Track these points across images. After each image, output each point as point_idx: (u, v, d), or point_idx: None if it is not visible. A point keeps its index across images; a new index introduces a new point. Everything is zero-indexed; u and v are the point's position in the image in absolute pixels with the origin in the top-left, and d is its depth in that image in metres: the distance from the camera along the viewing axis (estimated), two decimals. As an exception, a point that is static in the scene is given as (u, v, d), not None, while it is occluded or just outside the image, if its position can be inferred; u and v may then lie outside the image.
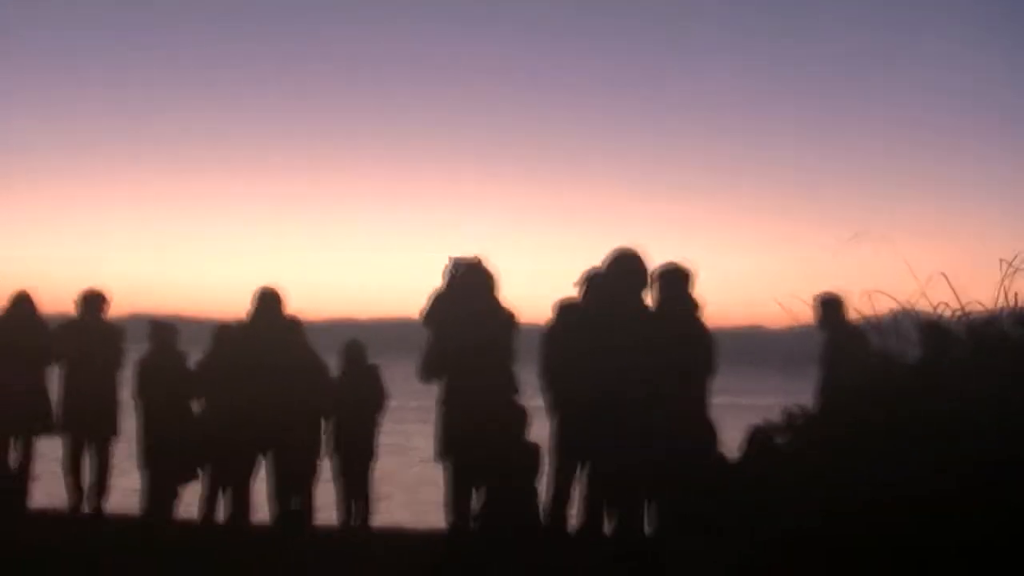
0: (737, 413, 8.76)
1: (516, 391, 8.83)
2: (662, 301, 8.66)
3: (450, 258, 8.94)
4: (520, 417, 8.83)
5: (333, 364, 10.57)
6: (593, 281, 8.90)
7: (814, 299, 10.70)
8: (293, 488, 10.38)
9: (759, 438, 9.60)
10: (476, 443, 8.54)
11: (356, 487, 10.51)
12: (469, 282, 8.82)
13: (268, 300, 10.42)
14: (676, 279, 8.72)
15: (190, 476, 10.60)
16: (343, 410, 10.37)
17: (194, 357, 10.70)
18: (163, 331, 10.88)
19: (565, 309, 9.06)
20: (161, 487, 10.61)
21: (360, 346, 10.69)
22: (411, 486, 17.03)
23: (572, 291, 9.07)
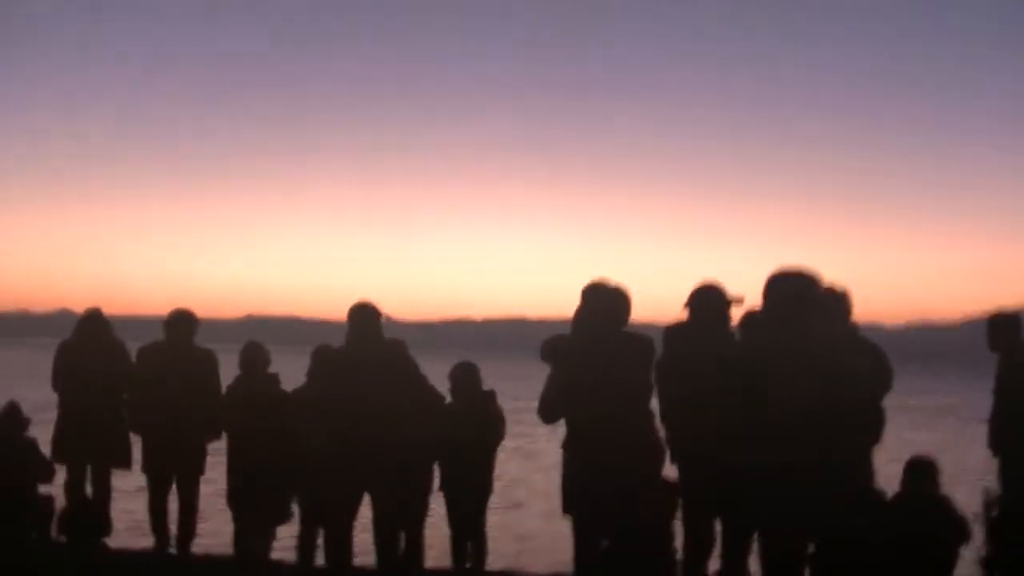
0: (909, 415, 7.46)
1: (652, 431, 7.58)
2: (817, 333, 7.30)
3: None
4: (654, 459, 7.62)
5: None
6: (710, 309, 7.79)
7: (988, 318, 9.41)
8: (399, 528, 9.35)
9: (917, 476, 8.46)
10: (605, 495, 7.31)
11: (469, 527, 9.46)
12: (595, 308, 7.57)
13: (366, 318, 9.33)
14: (833, 306, 7.40)
15: (284, 516, 9.64)
16: (455, 442, 9.28)
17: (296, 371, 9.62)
18: (252, 354, 9.84)
19: (677, 336, 7.94)
20: (253, 527, 9.64)
21: (473, 370, 9.62)
22: (543, 493, 16.26)
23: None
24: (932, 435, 29.09)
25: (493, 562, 9.82)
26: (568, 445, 7.53)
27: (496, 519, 14.18)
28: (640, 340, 7.52)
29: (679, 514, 7.93)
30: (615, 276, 7.60)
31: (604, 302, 7.48)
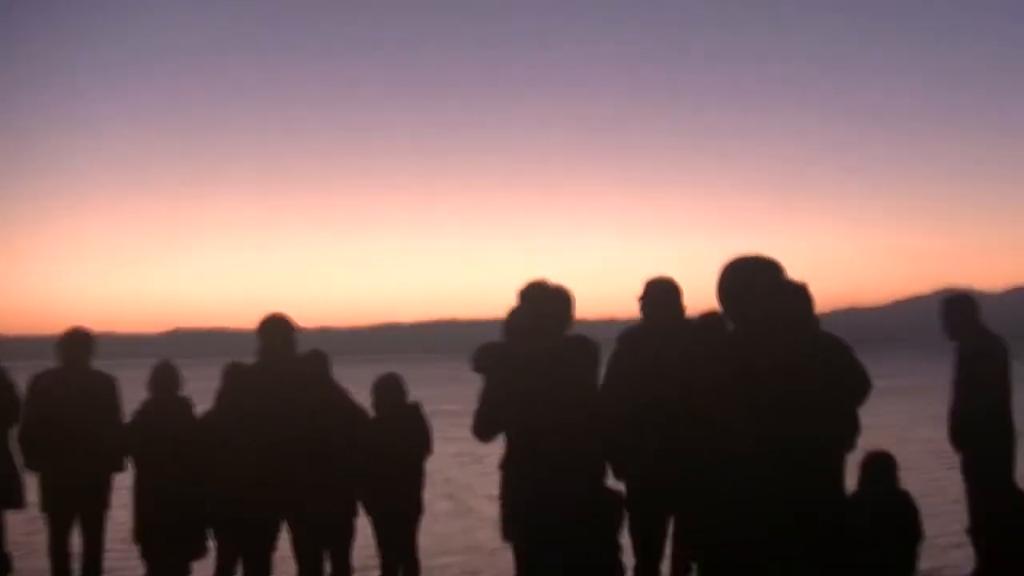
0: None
1: (601, 443, 6.79)
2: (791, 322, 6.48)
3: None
4: (604, 473, 6.91)
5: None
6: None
7: (941, 302, 8.88)
8: (324, 555, 8.70)
9: (877, 472, 7.97)
10: (553, 516, 6.52)
11: (400, 549, 8.81)
12: (538, 309, 6.72)
13: (278, 330, 8.64)
14: (802, 295, 6.70)
15: (199, 550, 8.92)
16: (380, 459, 8.64)
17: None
18: (162, 375, 9.08)
19: (633, 339, 7.44)
20: (165, 565, 8.88)
21: (398, 381, 9.00)
22: (494, 498, 15.72)
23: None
24: (869, 419, 28.72)
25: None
26: (509, 463, 6.73)
27: (441, 528, 13.69)
28: (587, 343, 6.75)
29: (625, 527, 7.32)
30: (546, 274, 6.88)
31: (547, 303, 6.71)
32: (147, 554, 8.92)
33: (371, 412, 8.90)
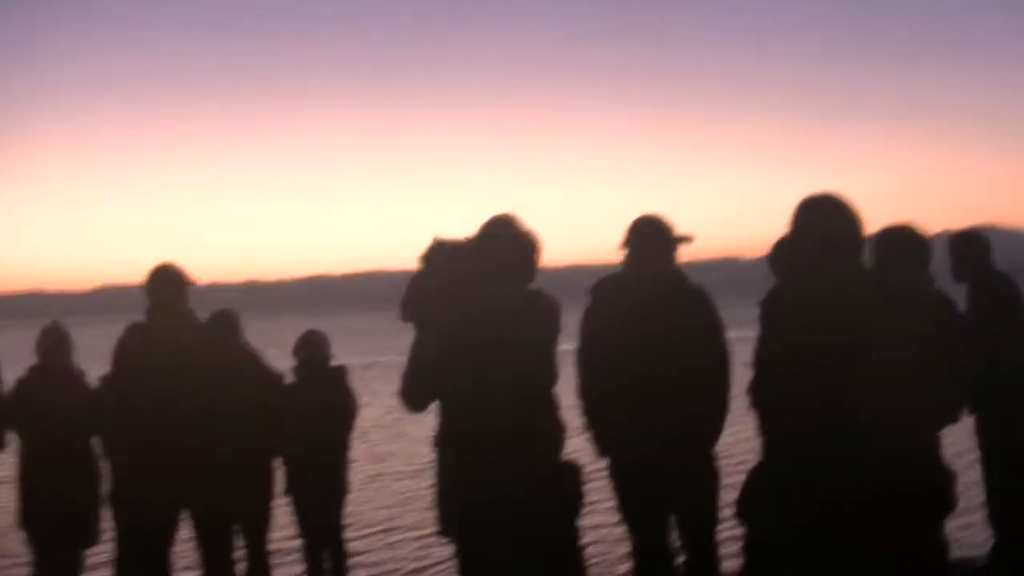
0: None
1: (558, 418, 5.62)
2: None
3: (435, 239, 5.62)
4: (558, 449, 5.73)
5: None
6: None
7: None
8: (234, 542, 7.74)
9: None
10: (495, 514, 5.39)
11: (323, 533, 8.00)
12: (501, 256, 5.39)
13: (167, 285, 7.60)
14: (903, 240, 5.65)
15: (92, 536, 7.93)
16: (300, 433, 7.75)
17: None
18: (49, 340, 8.01)
19: (607, 290, 6.37)
20: (53, 556, 7.89)
21: (320, 340, 8.13)
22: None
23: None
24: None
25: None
26: (445, 440, 5.52)
27: (399, 488, 12.89)
28: (549, 301, 5.51)
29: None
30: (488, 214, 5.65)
31: (514, 247, 5.43)
32: (34, 542, 7.97)
33: (291, 376, 8.05)
